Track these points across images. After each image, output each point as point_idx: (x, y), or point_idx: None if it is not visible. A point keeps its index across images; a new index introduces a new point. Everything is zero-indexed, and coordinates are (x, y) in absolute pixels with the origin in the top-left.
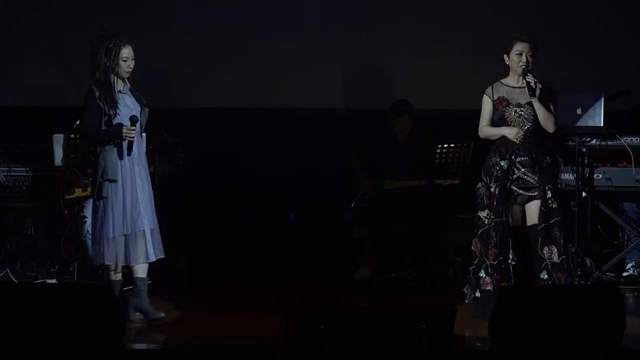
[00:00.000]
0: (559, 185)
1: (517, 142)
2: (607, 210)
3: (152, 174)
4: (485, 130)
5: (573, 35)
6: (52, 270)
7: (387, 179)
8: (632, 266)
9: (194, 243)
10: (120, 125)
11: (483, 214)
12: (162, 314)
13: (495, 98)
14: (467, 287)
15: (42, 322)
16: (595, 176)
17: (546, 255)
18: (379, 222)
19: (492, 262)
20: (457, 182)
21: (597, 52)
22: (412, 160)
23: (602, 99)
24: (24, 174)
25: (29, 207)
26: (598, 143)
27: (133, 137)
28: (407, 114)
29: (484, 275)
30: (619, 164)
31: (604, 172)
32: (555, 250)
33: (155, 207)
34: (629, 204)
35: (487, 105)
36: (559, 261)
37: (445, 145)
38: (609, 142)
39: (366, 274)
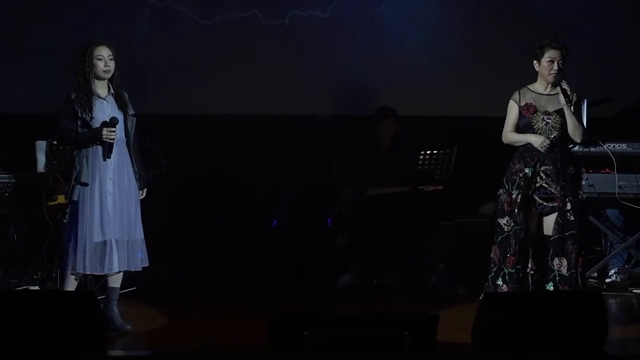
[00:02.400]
0: (579, 197)
1: (542, 150)
2: (590, 216)
3: None
4: (510, 136)
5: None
6: (34, 277)
7: (371, 185)
8: (615, 272)
9: (176, 250)
10: (101, 126)
11: (503, 221)
12: (128, 327)
13: (522, 104)
14: (482, 295)
15: (25, 328)
16: None
17: (556, 267)
18: (362, 229)
19: (510, 270)
20: (440, 188)
21: (579, 58)
22: (396, 167)
23: (585, 105)
24: (6, 180)
25: (11, 214)
26: (581, 149)
27: (113, 139)
28: (391, 120)
29: (501, 283)
30: (602, 171)
31: (587, 179)
32: (565, 262)
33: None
34: (612, 211)
35: (513, 111)
36: (567, 274)
37: (428, 152)
38: (592, 149)
39: (349, 281)
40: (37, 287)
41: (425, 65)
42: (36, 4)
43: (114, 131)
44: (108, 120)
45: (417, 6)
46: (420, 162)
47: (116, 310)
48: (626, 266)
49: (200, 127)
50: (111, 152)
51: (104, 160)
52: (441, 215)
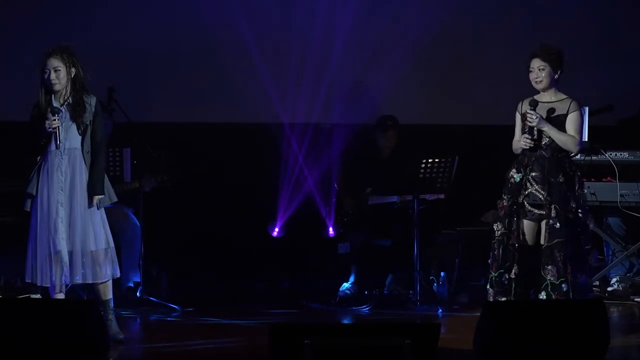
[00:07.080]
0: (569, 205)
1: (523, 146)
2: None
3: (136, 189)
4: (515, 144)
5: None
6: (36, 285)
7: (372, 194)
8: (617, 281)
9: (176, 258)
10: (43, 122)
11: (496, 226)
12: (121, 336)
13: (522, 112)
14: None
15: (26, 337)
16: None
17: (547, 276)
18: (363, 238)
19: (494, 274)
20: (441, 196)
21: (580, 66)
22: (397, 175)
23: (587, 114)
24: (8, 189)
25: (13, 222)
26: (582, 158)
27: (55, 128)
28: (392, 129)
29: (488, 287)
30: (604, 179)
31: (589, 187)
32: (554, 271)
33: (141, 221)
34: (614, 219)
35: (517, 120)
36: (557, 282)
37: (430, 160)
38: (594, 157)
39: (350, 289)
40: (38, 296)
41: (426, 73)
42: (43, 10)
43: (55, 119)
44: (50, 111)
45: (420, 14)
46: (421, 170)
47: (112, 319)
48: (628, 274)
49: (201, 135)
50: (58, 140)
51: (54, 149)
52: (443, 223)
